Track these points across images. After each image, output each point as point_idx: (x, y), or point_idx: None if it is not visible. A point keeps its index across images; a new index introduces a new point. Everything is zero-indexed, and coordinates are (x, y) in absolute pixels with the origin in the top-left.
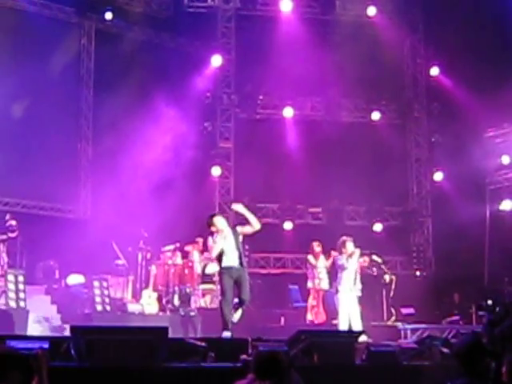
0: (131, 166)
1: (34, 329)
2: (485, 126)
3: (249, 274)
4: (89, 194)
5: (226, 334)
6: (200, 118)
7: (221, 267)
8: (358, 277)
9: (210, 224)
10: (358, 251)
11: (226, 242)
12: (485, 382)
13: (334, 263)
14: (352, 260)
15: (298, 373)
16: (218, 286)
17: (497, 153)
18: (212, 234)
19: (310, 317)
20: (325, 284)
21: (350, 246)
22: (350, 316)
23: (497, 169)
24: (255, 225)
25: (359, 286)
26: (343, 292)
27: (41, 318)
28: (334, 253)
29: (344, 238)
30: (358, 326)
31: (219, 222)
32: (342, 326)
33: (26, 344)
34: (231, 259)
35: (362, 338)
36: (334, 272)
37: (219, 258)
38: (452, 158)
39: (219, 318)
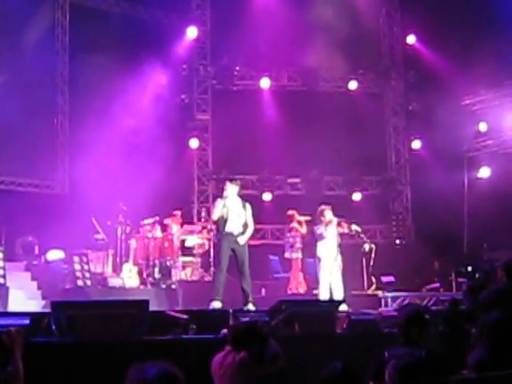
0: (108, 140)
1: (14, 305)
2: (462, 94)
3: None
4: (67, 169)
5: (215, 305)
6: (177, 91)
7: (220, 233)
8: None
9: (223, 187)
10: (335, 219)
11: (229, 210)
12: (420, 349)
13: (312, 232)
14: (330, 228)
15: (277, 342)
16: (199, 259)
17: (474, 120)
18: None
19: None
20: (302, 253)
21: (328, 214)
22: (331, 285)
23: (474, 136)
24: (250, 225)
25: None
26: (324, 261)
27: (21, 294)
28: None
29: (322, 206)
30: (339, 296)
31: (229, 188)
32: (323, 296)
33: (6, 320)
34: (232, 226)
35: (343, 307)
36: (312, 241)
37: (219, 225)
38: (429, 126)
39: (200, 290)
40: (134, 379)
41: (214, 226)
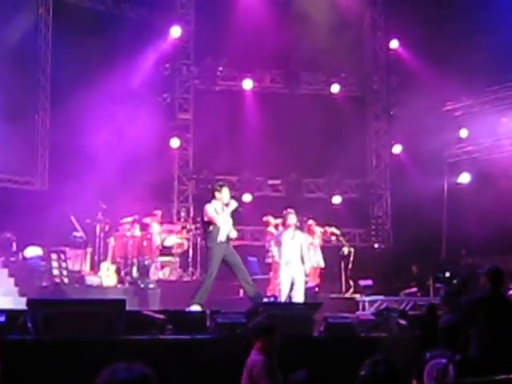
0: (89, 137)
1: None
2: (443, 100)
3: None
4: (46, 166)
5: (195, 308)
6: (159, 90)
7: (213, 241)
8: (309, 250)
9: (218, 191)
10: (293, 222)
11: (220, 215)
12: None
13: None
14: (290, 231)
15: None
16: (177, 258)
17: (455, 126)
18: (209, 201)
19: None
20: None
21: (290, 218)
22: (293, 289)
23: (455, 142)
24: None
25: (313, 257)
26: (286, 263)
27: None
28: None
29: (288, 210)
30: (300, 298)
31: (225, 193)
32: (282, 297)
33: None
34: (224, 234)
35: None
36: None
37: (211, 231)
38: (411, 131)
39: (178, 290)
40: (106, 380)
41: (201, 229)
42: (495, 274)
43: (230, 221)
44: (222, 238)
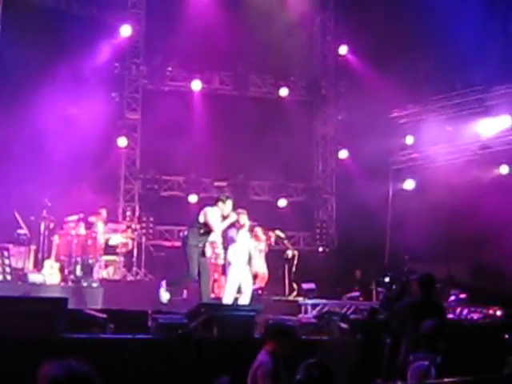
0: (35, 134)
1: None
2: (390, 106)
3: (153, 246)
4: None
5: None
6: (108, 89)
7: (196, 242)
8: (256, 253)
9: (223, 202)
10: (247, 224)
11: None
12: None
13: (225, 237)
14: (243, 233)
15: (195, 346)
16: (122, 258)
17: (401, 133)
18: (211, 205)
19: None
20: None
21: (242, 218)
22: (240, 288)
23: (401, 148)
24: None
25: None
26: (234, 265)
27: None
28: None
29: (239, 210)
30: (246, 300)
31: (228, 205)
32: (227, 299)
33: None
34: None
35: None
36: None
37: (201, 233)
38: (357, 136)
39: (121, 290)
40: (45, 377)
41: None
42: (425, 281)
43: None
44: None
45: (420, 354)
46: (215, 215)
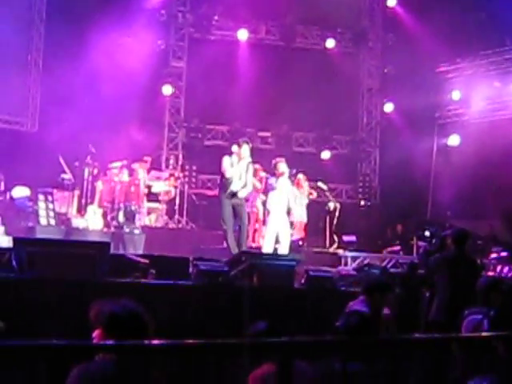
0: (82, 81)
1: None
2: (438, 61)
3: (195, 195)
4: (38, 107)
5: None
6: (153, 36)
7: (223, 192)
8: (297, 201)
9: (239, 145)
10: (286, 171)
11: (235, 171)
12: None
13: (265, 184)
14: (282, 181)
15: (236, 293)
16: (164, 205)
17: (448, 88)
18: (230, 154)
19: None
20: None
21: (281, 166)
22: (278, 238)
23: (447, 104)
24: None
25: (299, 211)
26: (273, 213)
27: None
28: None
29: (277, 159)
30: (285, 249)
31: (246, 150)
32: (266, 247)
33: None
34: (235, 187)
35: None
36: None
37: (222, 183)
38: (404, 90)
39: (163, 237)
40: (101, 313)
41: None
42: (459, 236)
43: (243, 179)
44: (232, 188)
45: (475, 308)
46: (228, 161)
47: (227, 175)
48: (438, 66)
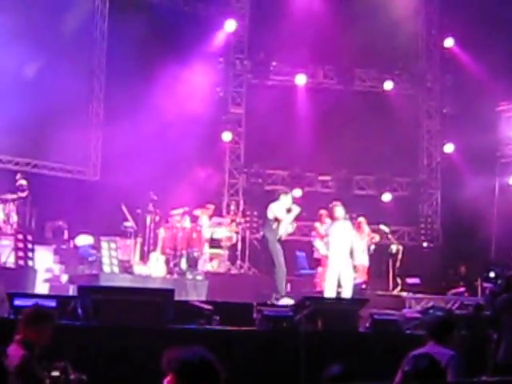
0: (142, 129)
1: (41, 288)
2: (497, 99)
3: (256, 240)
4: (99, 156)
5: (285, 301)
6: (212, 84)
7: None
8: (358, 245)
9: (285, 194)
10: (342, 215)
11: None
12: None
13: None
14: (339, 224)
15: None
16: (226, 251)
17: (508, 126)
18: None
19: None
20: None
21: (337, 210)
22: (340, 283)
23: (508, 142)
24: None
25: (361, 255)
26: (331, 258)
27: (49, 278)
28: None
29: (334, 203)
30: (347, 293)
31: (290, 198)
32: (328, 292)
33: (33, 302)
34: (283, 232)
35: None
36: None
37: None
38: (463, 130)
39: (225, 283)
40: (174, 360)
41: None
42: None
43: (291, 225)
44: (279, 234)
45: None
46: (280, 208)
47: (285, 220)
48: (497, 105)
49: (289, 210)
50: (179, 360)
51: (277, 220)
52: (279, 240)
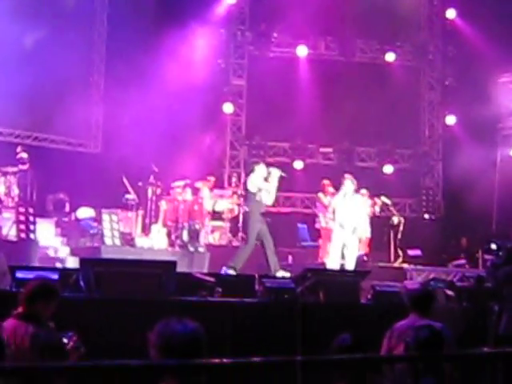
0: (143, 100)
1: (43, 260)
2: (499, 71)
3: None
4: (100, 128)
5: (230, 271)
6: (213, 55)
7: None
8: (360, 217)
9: (257, 164)
10: (352, 188)
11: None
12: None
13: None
14: (348, 198)
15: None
16: (228, 223)
17: (510, 98)
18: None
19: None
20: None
21: (347, 183)
22: (344, 255)
23: (509, 114)
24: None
25: (362, 226)
26: (336, 230)
27: (50, 250)
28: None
29: (345, 175)
30: (350, 265)
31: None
32: (331, 263)
33: (35, 275)
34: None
35: None
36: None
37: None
38: (465, 102)
39: (227, 255)
40: (160, 332)
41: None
42: None
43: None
44: (266, 203)
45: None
46: (258, 178)
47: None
48: (499, 77)
49: (266, 179)
50: (166, 335)
51: (260, 190)
52: (263, 214)
